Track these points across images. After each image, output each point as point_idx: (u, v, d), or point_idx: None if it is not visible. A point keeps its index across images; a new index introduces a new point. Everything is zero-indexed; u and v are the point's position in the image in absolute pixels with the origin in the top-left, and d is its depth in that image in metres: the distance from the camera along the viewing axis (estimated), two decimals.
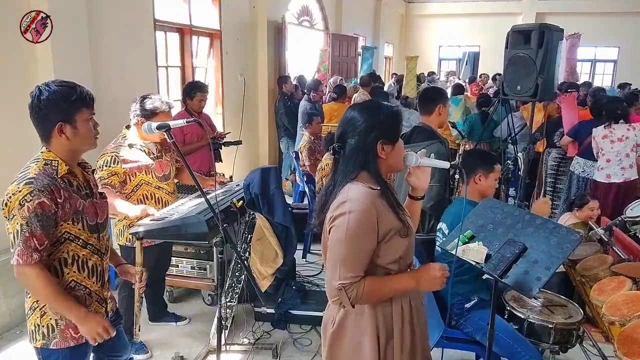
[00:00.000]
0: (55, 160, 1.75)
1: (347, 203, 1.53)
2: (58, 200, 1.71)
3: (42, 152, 1.77)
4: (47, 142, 1.77)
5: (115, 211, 2.70)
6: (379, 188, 1.58)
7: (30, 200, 1.65)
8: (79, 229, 1.80)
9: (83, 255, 1.83)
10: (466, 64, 14.12)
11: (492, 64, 13.04)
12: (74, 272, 1.81)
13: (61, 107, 1.71)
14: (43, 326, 1.80)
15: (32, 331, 1.82)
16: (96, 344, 1.84)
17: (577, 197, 4.08)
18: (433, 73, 11.56)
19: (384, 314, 1.62)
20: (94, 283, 1.88)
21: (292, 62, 8.13)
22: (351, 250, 1.52)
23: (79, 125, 1.75)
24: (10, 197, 1.67)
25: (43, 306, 1.80)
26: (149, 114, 2.79)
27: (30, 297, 1.82)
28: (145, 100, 2.82)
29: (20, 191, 1.66)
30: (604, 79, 14.65)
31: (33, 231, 1.66)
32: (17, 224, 1.66)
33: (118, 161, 2.75)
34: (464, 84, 10.08)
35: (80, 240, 1.81)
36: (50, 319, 1.80)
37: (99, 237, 1.89)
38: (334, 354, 1.69)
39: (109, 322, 1.87)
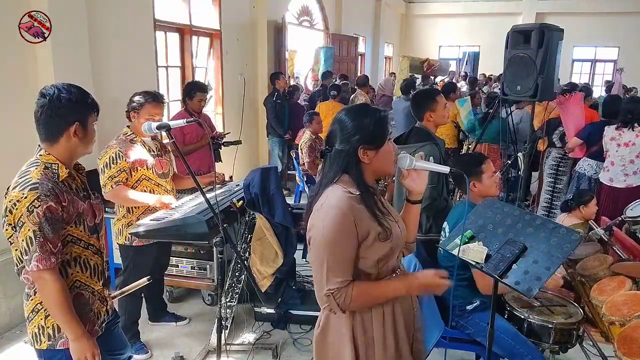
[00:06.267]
0: (55, 164, 1.76)
1: (323, 209, 1.54)
2: (63, 203, 1.72)
3: (40, 155, 1.76)
4: (54, 142, 1.76)
5: (134, 202, 2.82)
6: (358, 193, 1.56)
7: (39, 205, 1.65)
8: (81, 231, 1.81)
9: (85, 256, 1.84)
10: (466, 64, 14.10)
11: (492, 64, 13.02)
12: (77, 272, 1.82)
13: (79, 108, 1.77)
14: (48, 327, 1.78)
15: (35, 334, 1.79)
16: None
17: (577, 194, 3.92)
18: (427, 77, 11.37)
19: (363, 320, 1.61)
20: (96, 282, 1.89)
21: (296, 63, 8.10)
22: (333, 257, 1.52)
23: (89, 128, 1.81)
24: (15, 204, 1.66)
25: None
26: (136, 107, 2.86)
27: (32, 299, 1.79)
28: (133, 95, 2.90)
29: (25, 197, 1.65)
30: (604, 79, 14.65)
31: (47, 236, 1.66)
32: (29, 230, 1.65)
33: (122, 155, 2.79)
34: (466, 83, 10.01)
35: (82, 242, 1.83)
36: None
37: (98, 238, 1.91)
38: (319, 356, 1.71)
39: (99, 353, 1.81)
